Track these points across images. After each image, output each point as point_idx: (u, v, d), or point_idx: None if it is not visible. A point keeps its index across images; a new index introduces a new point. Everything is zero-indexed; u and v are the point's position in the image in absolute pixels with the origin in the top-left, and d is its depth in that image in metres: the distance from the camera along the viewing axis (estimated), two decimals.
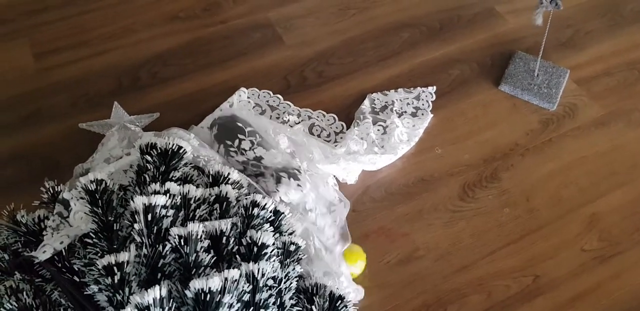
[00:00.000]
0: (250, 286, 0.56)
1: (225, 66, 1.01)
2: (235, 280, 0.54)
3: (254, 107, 0.95)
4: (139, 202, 0.58)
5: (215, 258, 0.60)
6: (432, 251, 0.85)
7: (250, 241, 0.60)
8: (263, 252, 0.60)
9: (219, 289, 0.52)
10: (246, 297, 0.56)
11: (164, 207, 0.60)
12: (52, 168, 0.86)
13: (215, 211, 0.64)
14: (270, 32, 1.05)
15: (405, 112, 0.98)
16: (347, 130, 0.93)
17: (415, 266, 0.83)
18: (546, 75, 1.04)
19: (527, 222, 0.89)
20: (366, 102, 0.97)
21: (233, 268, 0.58)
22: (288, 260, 0.65)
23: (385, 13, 1.11)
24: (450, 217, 0.89)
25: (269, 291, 0.59)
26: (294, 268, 0.64)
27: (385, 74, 1.02)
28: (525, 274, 0.83)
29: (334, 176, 0.87)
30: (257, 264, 0.58)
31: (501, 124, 0.99)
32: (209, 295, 0.51)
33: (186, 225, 0.58)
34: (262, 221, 0.63)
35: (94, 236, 0.59)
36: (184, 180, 0.69)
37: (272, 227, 0.65)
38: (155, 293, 0.51)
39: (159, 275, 0.57)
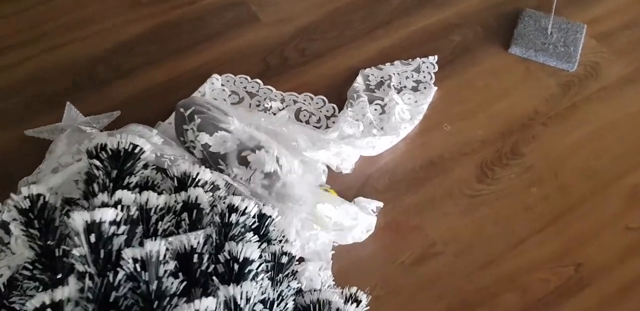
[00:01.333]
0: None
1: (197, 50, 0.86)
2: None
3: (229, 95, 0.81)
4: (78, 219, 0.45)
5: (185, 283, 0.47)
6: (451, 245, 0.71)
7: (229, 257, 0.47)
8: (247, 270, 0.46)
9: None
10: None
11: (114, 222, 0.47)
12: (5, 182, 0.73)
13: (183, 222, 0.51)
14: (244, 10, 0.91)
15: (405, 86, 0.83)
16: (339, 113, 0.79)
17: (433, 265, 0.69)
18: (561, 33, 0.89)
19: (559, 201, 0.75)
20: (359, 79, 0.82)
21: (208, 295, 0.45)
22: (280, 275, 0.52)
23: None
24: (468, 203, 0.75)
25: None
26: (288, 285, 0.51)
27: (376, 46, 0.87)
28: (565, 263, 0.69)
29: (325, 164, 0.73)
30: (239, 286, 0.45)
31: (516, 92, 0.85)
32: None
33: (144, 244, 0.45)
34: (243, 230, 0.50)
35: (30, 266, 0.46)
36: (144, 186, 0.56)
37: (256, 236, 0.51)
38: None
39: None
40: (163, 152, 0.62)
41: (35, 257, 0.47)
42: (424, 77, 0.84)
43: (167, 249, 0.47)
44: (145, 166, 0.58)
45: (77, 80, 0.84)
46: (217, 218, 0.50)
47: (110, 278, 0.44)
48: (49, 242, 0.47)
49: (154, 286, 0.44)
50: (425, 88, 0.83)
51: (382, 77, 0.83)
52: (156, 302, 0.43)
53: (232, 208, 0.51)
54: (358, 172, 0.76)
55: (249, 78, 0.83)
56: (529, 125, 0.82)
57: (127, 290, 0.44)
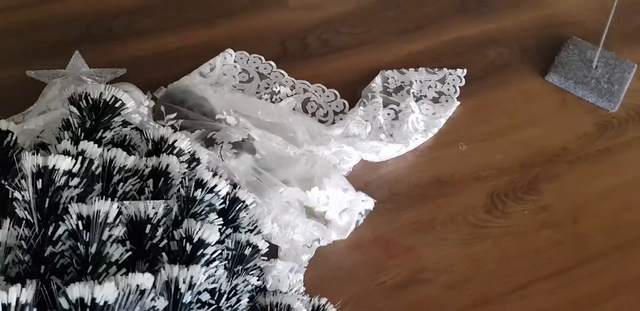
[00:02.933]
0: (167, 302, 0.39)
1: (215, 24, 0.84)
2: (143, 291, 0.37)
3: (239, 73, 0.78)
4: (29, 161, 0.42)
5: (131, 253, 0.43)
6: (444, 275, 0.66)
7: (184, 236, 0.43)
8: (199, 252, 0.42)
9: (111, 302, 0.35)
10: None
11: (68, 173, 0.43)
12: None
13: (147, 188, 0.48)
14: None
15: (425, 96, 0.80)
16: (349, 110, 0.77)
17: (419, 292, 0.64)
18: (607, 68, 0.86)
19: (573, 251, 0.69)
20: (377, 79, 0.80)
21: (154, 272, 0.41)
22: (240, 267, 0.47)
23: None
24: (471, 232, 0.70)
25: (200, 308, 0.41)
26: (245, 280, 0.47)
27: (404, 50, 0.85)
28: None
29: None
30: (186, 269, 0.41)
31: (546, 122, 0.81)
32: (88, 310, 0.34)
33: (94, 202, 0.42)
34: (207, 209, 0.46)
35: None
36: (119, 144, 0.52)
37: (221, 219, 0.47)
38: (10, 296, 0.34)
39: (43, 268, 0.41)
40: (150, 120, 0.60)
41: None
42: (448, 89, 0.81)
43: (119, 213, 0.43)
44: (125, 124, 0.54)
45: (91, 31, 0.83)
46: (182, 191, 0.47)
47: (50, 230, 0.40)
48: (2, 181, 0.44)
49: (93, 249, 0.40)
50: (447, 101, 0.80)
51: (402, 82, 0.80)
52: (91, 267, 0.39)
53: (199, 183, 0.47)
54: (356, 176, 0.71)
55: (263, 58, 0.81)
56: (554, 161, 0.78)
57: (66, 248, 0.41)
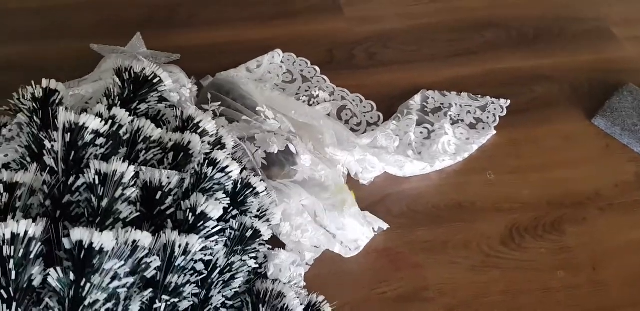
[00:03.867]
0: (160, 262, 0.42)
1: (270, 24, 0.89)
2: (139, 247, 0.40)
3: (284, 73, 0.82)
4: (62, 116, 0.46)
5: (139, 214, 0.46)
6: (446, 298, 0.66)
7: (189, 207, 0.46)
8: (200, 224, 0.45)
9: (107, 250, 0.38)
10: (150, 273, 0.41)
11: (97, 133, 0.47)
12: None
13: (166, 160, 0.51)
14: None
15: (462, 120, 0.81)
16: (382, 123, 0.79)
17: (415, 309, 0.64)
18: None
19: (587, 297, 0.68)
20: (417, 97, 0.82)
21: (157, 233, 0.44)
22: (239, 247, 0.50)
23: (473, 6, 0.95)
24: (482, 261, 0.70)
25: (190, 277, 0.44)
26: (242, 260, 0.49)
27: (451, 73, 0.86)
28: None
29: (343, 168, 0.72)
30: (184, 236, 0.43)
31: (584, 165, 0.80)
32: (85, 252, 0.37)
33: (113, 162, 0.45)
34: (216, 187, 0.49)
35: (22, 152, 0.47)
36: (152, 117, 0.57)
37: (228, 199, 0.50)
38: (20, 227, 0.38)
39: (59, 213, 0.44)
40: (188, 100, 0.64)
41: (26, 144, 0.48)
42: (487, 117, 0.82)
43: (136, 176, 0.47)
44: (161, 100, 0.59)
45: (154, 17, 0.90)
46: (195, 167, 0.50)
47: (71, 180, 0.44)
48: (42, 134, 0.49)
49: (104, 204, 0.43)
50: (483, 128, 0.81)
51: (442, 104, 0.82)
52: (99, 218, 0.42)
53: (212, 162, 0.50)
54: (377, 187, 0.73)
55: (309, 63, 0.85)
56: (584, 204, 0.77)
57: (82, 199, 0.44)
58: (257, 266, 0.53)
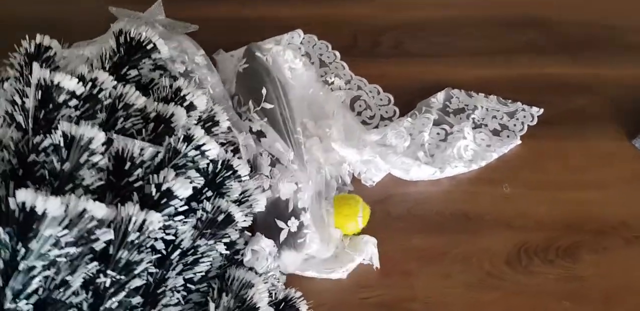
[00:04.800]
0: (112, 236, 0.39)
1: (294, 3, 0.87)
2: (88, 217, 0.38)
3: (302, 54, 0.79)
4: (36, 72, 0.44)
5: (104, 184, 0.44)
6: None
7: (156, 182, 0.44)
8: (164, 202, 0.43)
9: (51, 215, 0.36)
10: (98, 246, 0.39)
11: (72, 94, 0.45)
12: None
13: (145, 130, 0.49)
14: None
15: (486, 125, 0.76)
16: (397, 119, 0.75)
17: None
18: None
19: None
20: (440, 95, 0.77)
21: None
22: (209, 231, 0.47)
23: (516, 1, 0.91)
24: (481, 279, 0.65)
25: (146, 256, 0.41)
26: (209, 244, 0.47)
27: (481, 72, 0.81)
28: None
29: (349, 166, 0.68)
30: (144, 212, 0.41)
31: (614, 189, 0.74)
32: (25, 215, 0.35)
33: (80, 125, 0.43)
34: (190, 164, 0.46)
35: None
36: (143, 85, 0.55)
37: (203, 179, 0.47)
38: None
39: (22, 171, 0.43)
40: (195, 71, 0.61)
41: (11, 99, 0.46)
42: (515, 125, 0.77)
43: (106, 143, 0.45)
44: (156, 68, 0.57)
45: None
46: (171, 142, 0.47)
47: (37, 139, 0.42)
48: (25, 88, 0.47)
49: (67, 168, 0.41)
50: (508, 136, 0.75)
51: (466, 105, 0.77)
52: (58, 182, 0.40)
53: (187, 137, 0.47)
54: (380, 186, 0.69)
55: (330, 47, 0.81)
56: (607, 233, 0.71)
57: (49, 160, 0.43)
58: (228, 252, 0.50)
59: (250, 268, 0.54)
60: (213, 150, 0.47)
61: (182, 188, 0.43)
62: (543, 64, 0.84)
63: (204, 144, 0.47)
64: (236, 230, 0.52)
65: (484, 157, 0.72)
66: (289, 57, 0.69)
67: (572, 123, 0.79)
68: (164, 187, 0.43)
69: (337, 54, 0.80)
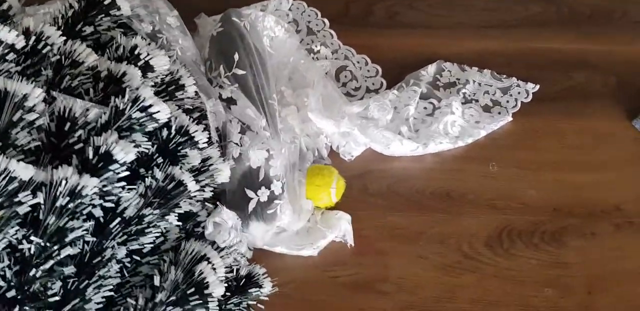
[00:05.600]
0: (41, 200, 0.36)
1: None
2: (10, 178, 0.35)
3: (289, 22, 0.74)
4: None
5: (43, 145, 0.41)
6: (403, 294, 0.59)
7: (97, 145, 0.41)
8: (101, 166, 0.40)
9: None
10: (23, 210, 0.36)
11: (12, 47, 0.42)
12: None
13: (93, 89, 0.45)
14: None
15: (477, 101, 0.71)
16: (384, 91, 0.70)
17: (367, 301, 0.58)
18: None
19: None
20: (431, 68, 0.72)
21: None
22: (157, 199, 0.44)
23: None
24: (458, 261, 0.61)
25: (79, 222, 0.38)
26: (155, 214, 0.43)
27: (478, 46, 0.75)
28: None
29: (327, 138, 0.64)
30: (80, 176, 0.38)
31: (610, 172, 0.69)
32: None
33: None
34: (136, 127, 0.43)
35: None
36: (101, 43, 0.51)
37: (150, 144, 0.44)
38: None
39: None
40: (165, 33, 0.57)
41: None
42: (507, 101, 0.72)
43: (48, 102, 0.41)
44: (118, 27, 0.53)
45: None
46: (119, 102, 0.44)
47: None
48: None
49: None
50: (499, 113, 0.70)
51: (457, 79, 0.72)
52: None
53: (134, 99, 0.43)
54: (360, 160, 0.66)
55: (319, 14, 0.76)
56: (597, 217, 0.66)
57: None
58: (180, 224, 0.47)
59: (212, 243, 0.51)
60: (162, 112, 0.44)
61: (124, 152, 0.40)
62: (545, 39, 0.78)
63: (150, 106, 0.43)
64: (194, 200, 0.49)
65: (471, 133, 0.68)
66: (269, 23, 0.65)
67: (570, 100, 0.73)
68: (102, 150, 0.39)
69: (326, 21, 0.75)
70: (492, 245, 0.63)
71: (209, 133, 0.52)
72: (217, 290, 0.43)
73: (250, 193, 0.56)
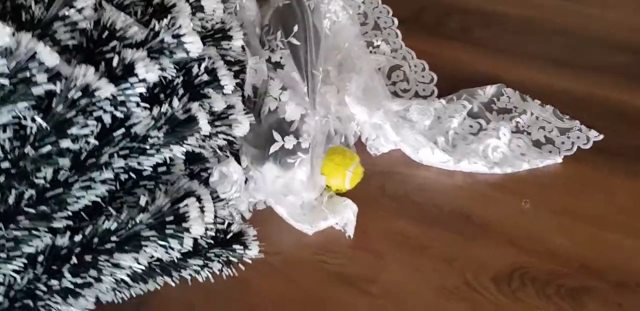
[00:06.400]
0: (53, 86, 0.37)
1: None
2: (29, 56, 0.36)
3: (359, 13, 0.75)
4: None
5: (77, 45, 0.43)
6: (387, 300, 0.55)
7: (123, 56, 0.41)
8: (122, 75, 0.40)
9: None
10: (37, 91, 0.37)
11: None
12: None
13: (141, 12, 0.47)
14: None
15: (529, 133, 0.67)
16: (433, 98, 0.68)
17: (346, 296, 0.55)
18: None
19: None
20: (490, 89, 0.69)
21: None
22: (167, 126, 0.44)
23: (624, 20, 0.80)
24: (456, 285, 0.56)
25: (86, 120, 0.39)
26: (161, 138, 0.43)
27: (546, 79, 0.71)
28: None
29: (357, 126, 0.63)
30: (97, 77, 0.39)
31: None
32: None
33: None
34: (166, 51, 0.43)
35: None
36: None
37: (175, 71, 0.44)
38: None
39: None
40: None
41: None
42: (563, 142, 0.67)
43: (95, 10, 0.43)
44: None
45: None
46: (157, 25, 0.43)
47: None
48: None
49: (42, 15, 0.40)
50: (550, 151, 0.66)
51: (515, 107, 0.69)
52: (29, 25, 0.39)
53: (170, 24, 0.43)
54: (387, 159, 0.63)
55: (390, 12, 0.77)
56: (630, 289, 0.58)
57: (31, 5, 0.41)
58: (183, 157, 0.47)
59: (213, 191, 0.51)
60: (194, 44, 0.44)
61: (145, 69, 0.40)
62: (622, 91, 0.73)
63: (184, 35, 0.43)
64: (206, 144, 0.49)
65: (512, 164, 0.64)
66: (335, 8, 0.66)
67: (632, 160, 0.68)
68: (126, 61, 0.40)
69: (396, 21, 0.75)
70: (500, 281, 0.58)
71: (243, 89, 0.52)
72: (195, 226, 0.42)
73: (277, 136, 0.55)
